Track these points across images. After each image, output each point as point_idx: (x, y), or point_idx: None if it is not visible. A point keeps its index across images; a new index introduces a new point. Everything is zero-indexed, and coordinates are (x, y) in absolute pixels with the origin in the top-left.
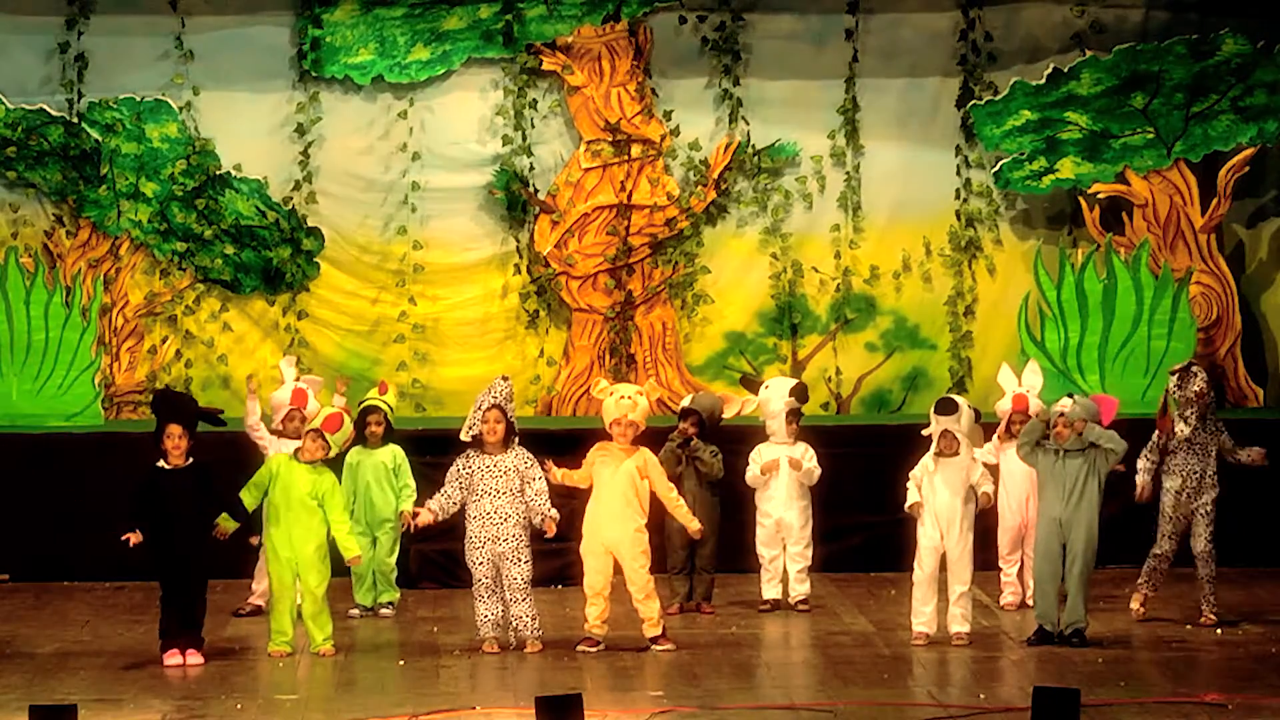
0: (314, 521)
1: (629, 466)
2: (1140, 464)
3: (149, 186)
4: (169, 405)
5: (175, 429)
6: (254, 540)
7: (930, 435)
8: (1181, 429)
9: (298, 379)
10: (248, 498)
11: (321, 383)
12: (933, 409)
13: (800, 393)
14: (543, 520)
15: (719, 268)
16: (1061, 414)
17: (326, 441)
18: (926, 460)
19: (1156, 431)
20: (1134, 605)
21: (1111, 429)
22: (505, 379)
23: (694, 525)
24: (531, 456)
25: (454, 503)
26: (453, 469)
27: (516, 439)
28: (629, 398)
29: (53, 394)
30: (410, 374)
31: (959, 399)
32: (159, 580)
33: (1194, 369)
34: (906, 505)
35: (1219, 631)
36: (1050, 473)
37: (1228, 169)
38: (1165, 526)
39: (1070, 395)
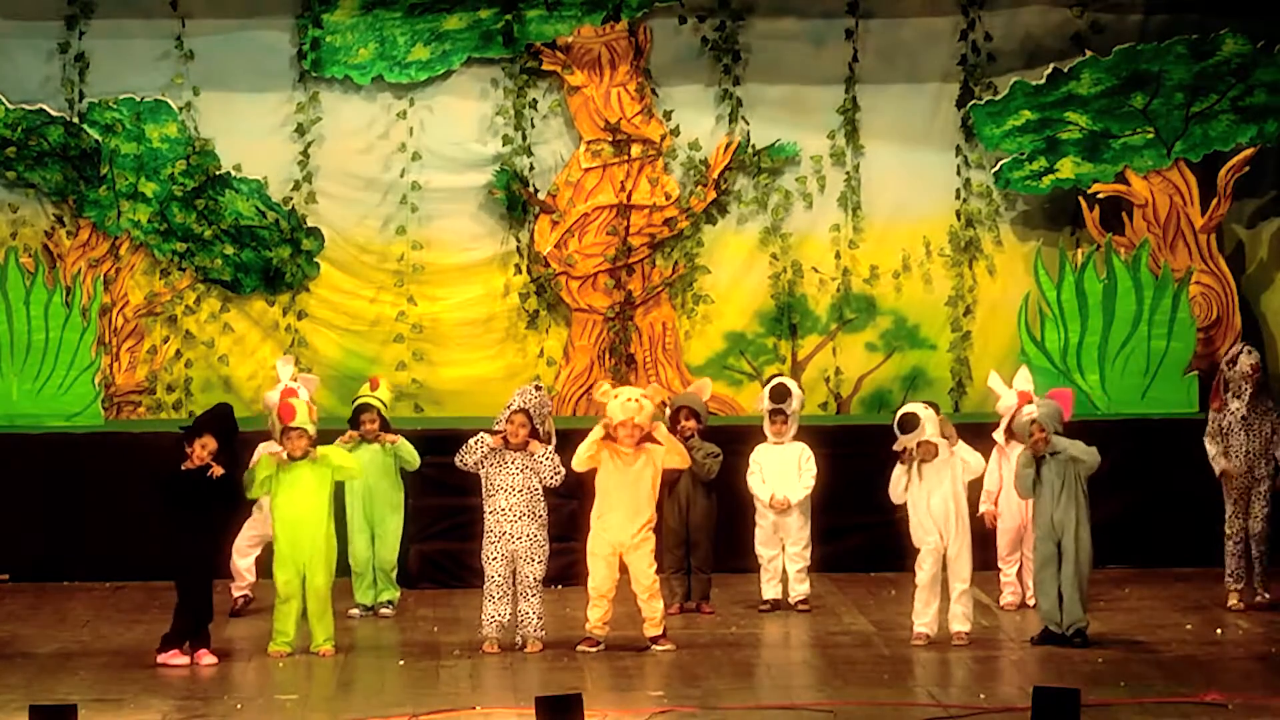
0: (320, 521)
1: (641, 470)
2: (1210, 449)
3: (149, 186)
4: (218, 419)
5: (212, 442)
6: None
7: (903, 449)
8: (1236, 406)
9: (293, 378)
10: (252, 488)
11: (317, 381)
12: (896, 428)
13: (775, 394)
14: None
15: (719, 268)
16: (1032, 421)
17: (303, 430)
18: (902, 473)
19: (1213, 412)
20: (1231, 602)
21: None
22: (539, 388)
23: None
24: (553, 454)
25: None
26: (474, 439)
27: (549, 444)
28: (635, 400)
29: (53, 394)
30: (409, 374)
31: (915, 409)
32: (176, 580)
33: (1248, 348)
34: (897, 494)
35: (1219, 631)
36: (1042, 476)
37: (1228, 169)
38: (1229, 507)
39: (1030, 402)
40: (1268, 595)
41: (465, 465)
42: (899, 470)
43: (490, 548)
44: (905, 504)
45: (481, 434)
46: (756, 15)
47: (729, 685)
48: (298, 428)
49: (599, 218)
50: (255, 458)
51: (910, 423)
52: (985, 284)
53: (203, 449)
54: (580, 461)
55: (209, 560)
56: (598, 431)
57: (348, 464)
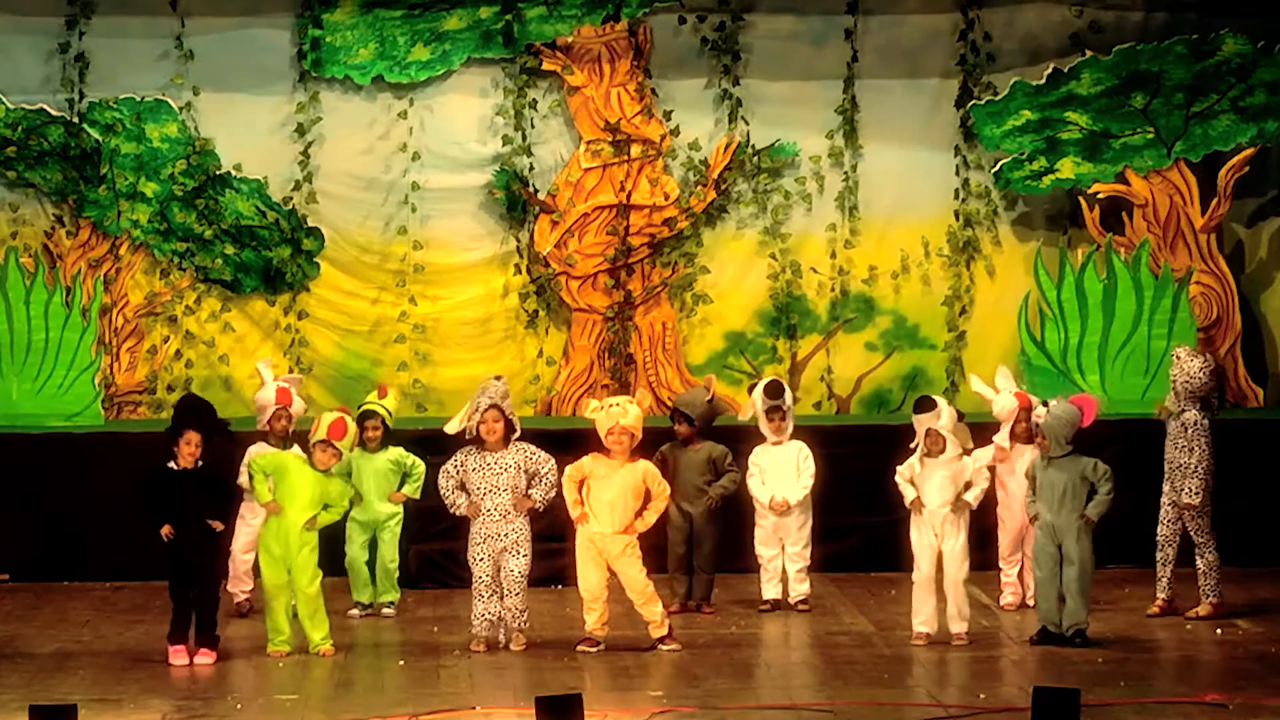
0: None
1: (630, 479)
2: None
3: (149, 186)
4: (194, 412)
5: (195, 436)
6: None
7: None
8: (1167, 409)
9: (275, 379)
10: (260, 487)
11: (301, 381)
12: (912, 410)
13: (771, 390)
14: (523, 501)
15: (718, 268)
16: (1038, 424)
17: (336, 449)
18: (913, 460)
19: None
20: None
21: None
22: (499, 378)
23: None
24: (541, 453)
25: (463, 500)
26: (442, 476)
27: (517, 435)
28: (619, 405)
29: (53, 394)
30: (410, 374)
31: (937, 398)
32: (168, 579)
33: (1179, 354)
34: (907, 502)
35: (1219, 631)
36: (1041, 478)
37: (1228, 169)
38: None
39: (1045, 403)
40: (1164, 605)
41: (447, 489)
42: (903, 468)
43: (476, 548)
44: (915, 497)
45: (456, 456)
46: (756, 14)
47: (729, 685)
48: (337, 447)
49: (599, 218)
50: (247, 458)
51: (927, 404)
52: (984, 284)
53: (188, 445)
54: (573, 507)
55: (205, 558)
56: (588, 464)
57: (337, 506)
